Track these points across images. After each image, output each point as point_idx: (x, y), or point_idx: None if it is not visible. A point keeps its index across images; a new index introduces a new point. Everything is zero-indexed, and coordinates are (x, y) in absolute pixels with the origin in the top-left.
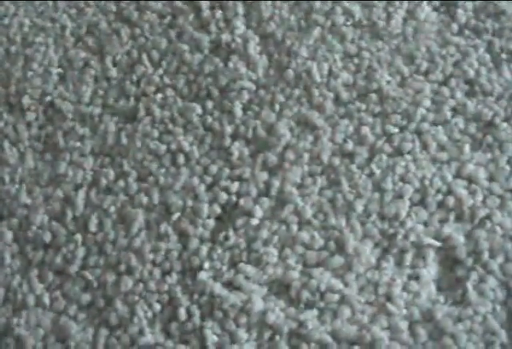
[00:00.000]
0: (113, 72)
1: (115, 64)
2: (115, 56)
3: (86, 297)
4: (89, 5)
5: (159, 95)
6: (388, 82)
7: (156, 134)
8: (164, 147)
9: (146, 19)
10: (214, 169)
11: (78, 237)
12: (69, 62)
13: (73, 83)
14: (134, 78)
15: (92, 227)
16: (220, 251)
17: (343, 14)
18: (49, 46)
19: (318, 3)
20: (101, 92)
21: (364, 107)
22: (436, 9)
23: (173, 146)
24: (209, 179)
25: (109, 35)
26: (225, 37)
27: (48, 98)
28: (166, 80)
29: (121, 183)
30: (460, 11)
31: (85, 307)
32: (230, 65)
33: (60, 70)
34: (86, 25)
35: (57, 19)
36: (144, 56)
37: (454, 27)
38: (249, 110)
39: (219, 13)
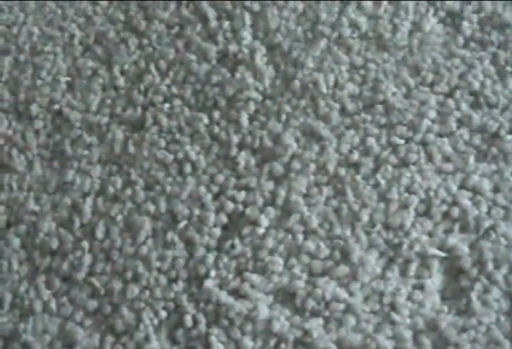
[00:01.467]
0: (121, 81)
1: (122, 73)
2: (123, 65)
3: (92, 304)
4: (97, 14)
5: (166, 105)
6: (394, 94)
7: (163, 143)
8: (171, 157)
9: (154, 30)
10: (220, 178)
11: (85, 244)
12: (77, 71)
13: (81, 92)
14: (142, 87)
15: (99, 235)
16: (226, 259)
17: (349, 26)
18: (58, 54)
19: (324, 15)
20: (109, 101)
21: (369, 118)
22: (441, 21)
23: (180, 155)
24: (215, 189)
25: (117, 45)
26: (232, 47)
27: (56, 106)
28: (174, 90)
29: (129, 191)
30: (465, 23)
31: (91, 313)
32: (237, 75)
33: (68, 78)
34: (94, 35)
35: (65, 28)
36: (151, 66)
37: (460, 39)
38: (256, 121)
39: (226, 24)
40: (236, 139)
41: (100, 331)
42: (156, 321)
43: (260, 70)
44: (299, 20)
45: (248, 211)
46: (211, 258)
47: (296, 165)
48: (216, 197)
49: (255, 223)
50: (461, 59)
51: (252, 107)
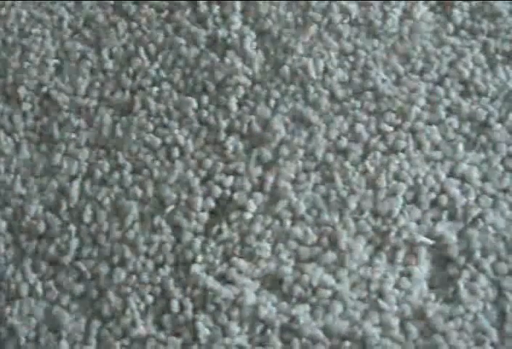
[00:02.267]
0: (110, 64)
1: (111, 56)
2: (111, 49)
3: (79, 288)
4: None
5: (155, 89)
6: (384, 81)
7: (151, 127)
8: (159, 141)
9: (143, 13)
10: (208, 163)
11: (72, 228)
12: (66, 54)
13: (70, 75)
14: (131, 71)
15: (86, 219)
16: (213, 244)
17: (340, 12)
18: (46, 37)
19: (314, 1)
20: (97, 84)
21: (358, 104)
22: (432, 8)
23: (168, 139)
24: (203, 173)
25: (106, 28)
26: (222, 32)
27: (44, 89)
28: (163, 73)
29: (116, 175)
30: (456, 11)
31: (78, 297)
32: (227, 60)
33: (56, 61)
34: (83, 18)
35: (54, 11)
36: (141, 49)
37: (450, 27)
38: (245, 106)
39: (216, 8)
40: (224, 124)
41: (86, 316)
42: (142, 306)
43: (250, 55)
44: (289, 6)
45: (236, 196)
46: (198, 243)
47: (284, 151)
48: (204, 182)
49: (243, 208)
50: (451, 47)
51: (241, 92)
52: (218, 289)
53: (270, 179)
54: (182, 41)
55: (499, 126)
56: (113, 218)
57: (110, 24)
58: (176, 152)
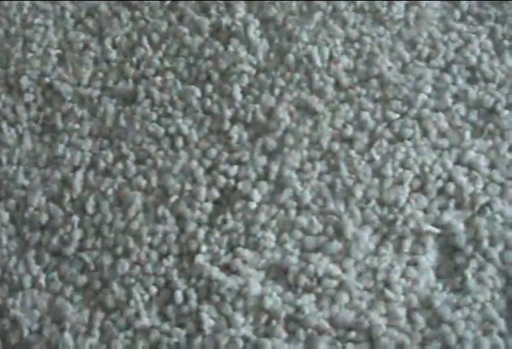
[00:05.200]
0: (113, 54)
1: (115, 46)
2: (114, 38)
3: (82, 279)
4: None
5: (159, 78)
6: (389, 68)
7: (154, 116)
8: (162, 130)
9: (146, 3)
10: (213, 152)
11: (76, 219)
12: (69, 44)
13: (73, 65)
14: (134, 60)
15: (90, 210)
16: (217, 234)
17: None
18: (49, 27)
19: None
20: (100, 74)
21: (364, 92)
22: None
23: (172, 129)
24: (207, 163)
25: (109, 18)
26: (226, 20)
27: (47, 79)
28: (166, 63)
29: (120, 165)
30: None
31: (81, 289)
32: (231, 48)
33: (59, 51)
34: (86, 8)
35: (56, 1)
36: (144, 39)
37: (457, 13)
38: (249, 94)
39: None
40: (228, 113)
41: (89, 307)
42: (146, 297)
43: (254, 43)
44: None
45: (240, 185)
46: (202, 233)
47: (289, 140)
48: (208, 171)
49: (247, 198)
50: (458, 33)
51: (246, 80)
52: (223, 280)
53: (275, 168)
54: (186, 29)
55: (506, 112)
56: (117, 209)
57: (113, 14)
58: (180, 141)
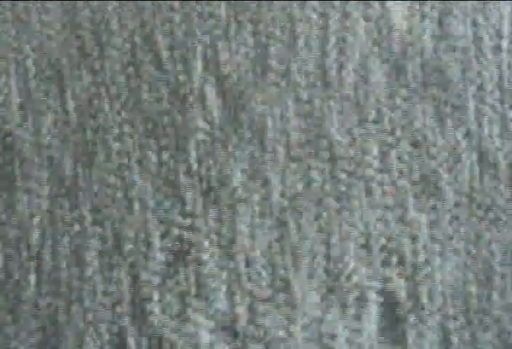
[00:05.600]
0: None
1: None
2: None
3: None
4: (51, 38)
5: (116, 130)
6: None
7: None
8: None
9: (107, 55)
10: (166, 204)
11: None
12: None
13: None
14: (92, 111)
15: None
16: (170, 284)
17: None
18: (10, 75)
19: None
20: (60, 125)
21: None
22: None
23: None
24: (161, 214)
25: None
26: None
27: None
28: (124, 116)
29: (76, 214)
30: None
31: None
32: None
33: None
34: (47, 58)
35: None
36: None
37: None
38: (203, 150)
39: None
40: (183, 167)
41: None
42: (99, 344)
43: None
44: (248, 54)
45: (192, 237)
46: (155, 282)
47: (242, 194)
48: (162, 222)
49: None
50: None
51: (201, 136)
52: (174, 328)
53: (228, 221)
54: (145, 86)
55: (446, 176)
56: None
57: (74, 66)
58: (134, 192)
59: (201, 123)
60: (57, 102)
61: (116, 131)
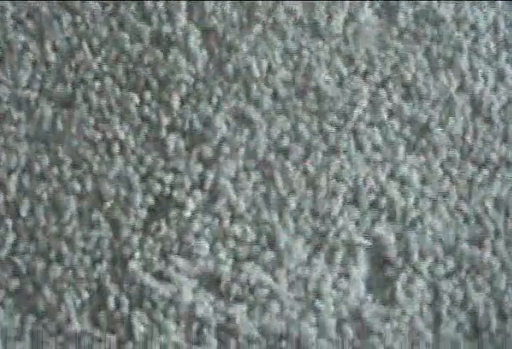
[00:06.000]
0: (52, 57)
1: (55, 49)
2: (54, 41)
3: (14, 283)
4: None
5: (97, 83)
6: (327, 81)
7: (92, 121)
8: (99, 135)
9: (88, 7)
10: (149, 159)
11: (9, 222)
12: (8, 45)
13: (11, 67)
14: (73, 64)
15: (24, 213)
16: (151, 241)
17: (285, 12)
18: None
19: (260, 1)
20: (39, 77)
21: (301, 104)
22: (377, 12)
23: (109, 134)
24: (143, 170)
25: (50, 21)
26: (166, 29)
27: None
28: (105, 68)
29: (55, 170)
30: (400, 15)
31: (13, 292)
32: (170, 57)
33: None
34: (26, 9)
35: None
36: (84, 43)
37: (394, 31)
38: (187, 103)
39: (161, 4)
40: (166, 121)
41: (20, 312)
42: (78, 302)
43: (194, 53)
44: (235, 5)
45: (175, 193)
46: (136, 239)
47: (225, 149)
48: (144, 178)
49: (182, 206)
50: (394, 50)
51: (184, 89)
52: (155, 287)
53: (211, 177)
54: (126, 36)
55: (439, 129)
56: (51, 213)
57: (54, 17)
58: (116, 147)
59: (185, 76)
60: (37, 55)
61: (98, 84)
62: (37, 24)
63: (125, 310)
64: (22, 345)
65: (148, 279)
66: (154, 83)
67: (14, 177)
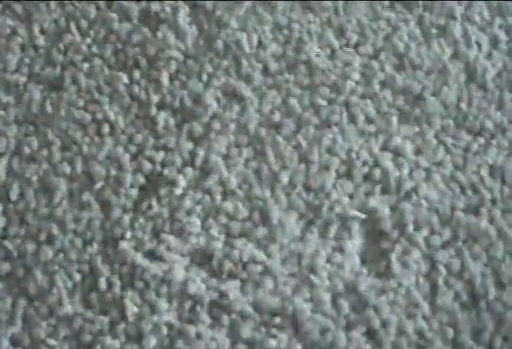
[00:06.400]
0: (41, 40)
1: (42, 32)
2: (42, 24)
3: (5, 267)
4: None
5: (86, 64)
6: (318, 54)
7: (81, 103)
8: (89, 117)
9: None
10: (139, 138)
11: None
12: None
13: None
14: (62, 46)
15: (13, 197)
16: (142, 220)
17: None
18: None
19: None
20: (27, 60)
21: (292, 78)
22: None
23: (98, 115)
24: (133, 149)
25: (37, 3)
26: (155, 6)
27: None
28: (94, 49)
29: (45, 152)
30: None
31: (4, 276)
32: (159, 34)
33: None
34: None
35: None
36: (72, 24)
37: (386, 1)
38: (177, 80)
39: None
40: (155, 98)
41: (12, 295)
42: (69, 284)
43: (183, 29)
44: None
45: (166, 171)
46: (127, 219)
47: (216, 125)
48: (134, 157)
49: (173, 184)
50: (386, 21)
51: (173, 66)
52: (146, 266)
53: (201, 153)
54: (114, 15)
55: (433, 99)
56: (41, 195)
57: None
58: (106, 128)
59: (174, 53)
60: (26, 39)
61: (87, 65)
62: (25, 8)
63: (117, 290)
64: (14, 329)
65: (139, 259)
66: (143, 62)
67: (4, 161)
